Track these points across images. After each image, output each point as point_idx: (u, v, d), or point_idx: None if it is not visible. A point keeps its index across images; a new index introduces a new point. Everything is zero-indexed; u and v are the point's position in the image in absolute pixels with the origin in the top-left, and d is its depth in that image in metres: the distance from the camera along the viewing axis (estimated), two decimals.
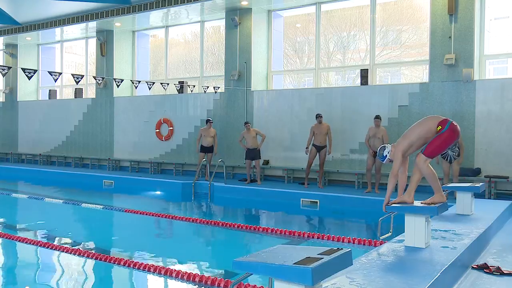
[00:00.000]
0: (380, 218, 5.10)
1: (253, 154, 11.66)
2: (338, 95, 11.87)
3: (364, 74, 11.61)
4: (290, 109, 12.52)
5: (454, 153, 9.09)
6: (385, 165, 10.38)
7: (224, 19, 13.71)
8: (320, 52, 12.95)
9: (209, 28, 15.56)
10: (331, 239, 6.62)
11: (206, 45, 15.27)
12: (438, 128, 4.84)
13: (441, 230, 5.33)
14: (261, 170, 12.11)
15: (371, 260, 4.09)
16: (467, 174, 9.64)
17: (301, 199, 10.06)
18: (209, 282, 4.76)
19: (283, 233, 7.13)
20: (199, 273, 5.00)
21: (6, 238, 6.94)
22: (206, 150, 12.36)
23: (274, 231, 7.24)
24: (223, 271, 5.29)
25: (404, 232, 4.71)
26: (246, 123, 11.81)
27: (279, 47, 13.88)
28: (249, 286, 4.51)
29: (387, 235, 5.12)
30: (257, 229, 7.57)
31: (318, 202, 9.80)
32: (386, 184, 9.07)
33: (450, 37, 10.29)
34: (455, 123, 4.87)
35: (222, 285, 4.67)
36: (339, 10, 13.22)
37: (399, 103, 10.94)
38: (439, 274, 3.70)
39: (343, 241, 6.49)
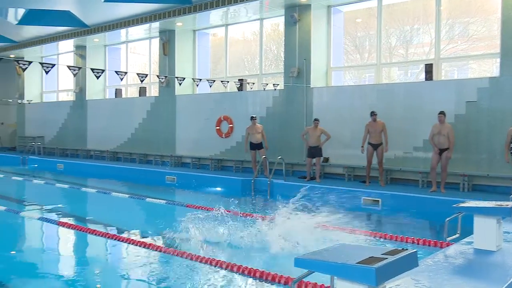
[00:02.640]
0: (447, 219, 4.89)
1: (314, 152, 11.61)
2: (401, 91, 11.53)
3: (428, 69, 11.20)
4: (350, 106, 12.30)
5: None
6: (451, 164, 9.97)
7: (283, 16, 13.68)
8: (381, 47, 12.62)
9: (268, 26, 15.60)
10: (394, 239, 6.44)
11: (265, 43, 15.32)
12: None
13: None
14: (320, 168, 12.00)
15: (438, 262, 3.94)
16: None
17: (362, 198, 9.87)
18: (269, 278, 4.77)
19: (344, 231, 7.01)
20: (259, 268, 5.02)
21: (77, 229, 7.32)
22: (256, 147, 12.48)
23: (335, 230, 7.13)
24: (284, 267, 5.27)
25: (473, 234, 4.49)
26: (315, 119, 11.74)
27: (339, 43, 13.67)
28: (310, 284, 4.48)
29: (454, 236, 4.91)
30: (316, 227, 7.49)
31: (380, 201, 9.57)
32: (453, 183, 8.75)
33: None
34: None
35: (282, 281, 4.67)
36: (402, 3, 12.83)
37: (467, 99, 10.45)
38: None
39: (406, 241, 6.30)
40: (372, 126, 10.80)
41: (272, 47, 16.14)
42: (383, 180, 10.90)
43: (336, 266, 2.65)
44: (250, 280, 4.84)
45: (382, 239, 6.53)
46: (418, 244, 6.18)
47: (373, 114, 10.80)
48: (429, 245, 6.08)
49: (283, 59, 13.78)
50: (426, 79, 11.21)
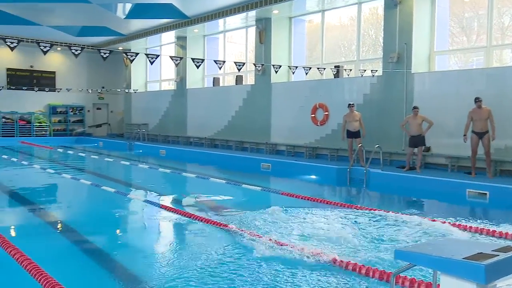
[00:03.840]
0: None
1: (416, 141, 11.09)
2: None
3: None
4: (455, 92, 11.52)
5: None
6: None
7: None
8: (492, 28, 11.62)
9: (366, 10, 15.06)
10: (504, 236, 5.93)
11: (363, 28, 14.82)
12: None
13: None
14: (421, 158, 11.42)
15: None
16: None
17: (467, 190, 9.23)
18: (363, 271, 4.62)
19: (445, 225, 6.59)
20: (352, 261, 4.89)
21: (177, 213, 7.67)
22: (353, 135, 12.16)
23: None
24: (380, 260, 5.08)
25: None
26: (414, 107, 11.23)
27: (443, 24, 12.83)
28: (407, 280, 4.26)
29: None
30: (413, 219, 7.13)
31: (487, 194, 8.89)
32: None
33: None
34: None
35: (377, 276, 4.50)
36: None
37: None
38: None
39: None
40: (477, 114, 10.04)
41: (370, 32, 15.61)
42: (491, 171, 10.11)
43: (440, 261, 2.48)
44: (347, 273, 4.71)
45: (490, 236, 6.04)
46: None
47: (477, 100, 10.04)
48: None
49: (382, 44, 13.24)
50: None
